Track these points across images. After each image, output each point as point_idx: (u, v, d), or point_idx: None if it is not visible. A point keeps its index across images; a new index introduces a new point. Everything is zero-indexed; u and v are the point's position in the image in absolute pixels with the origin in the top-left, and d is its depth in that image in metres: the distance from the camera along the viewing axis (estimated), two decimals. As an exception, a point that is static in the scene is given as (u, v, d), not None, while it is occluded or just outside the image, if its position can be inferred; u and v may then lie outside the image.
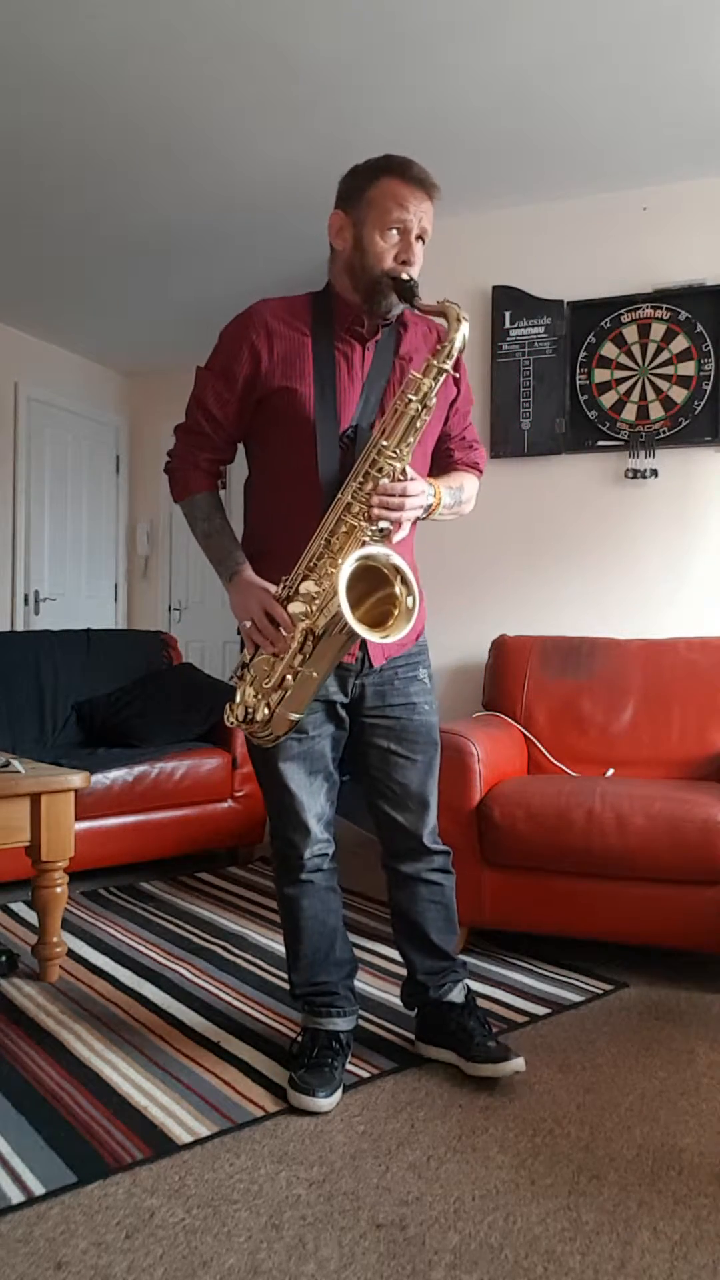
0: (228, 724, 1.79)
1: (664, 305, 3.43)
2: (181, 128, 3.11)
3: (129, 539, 6.19)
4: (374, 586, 1.72)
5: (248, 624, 1.77)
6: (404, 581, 1.71)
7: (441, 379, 1.72)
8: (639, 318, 3.47)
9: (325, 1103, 1.80)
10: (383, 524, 1.71)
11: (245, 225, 3.86)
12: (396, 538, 1.75)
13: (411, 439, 1.72)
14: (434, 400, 1.72)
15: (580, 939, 2.62)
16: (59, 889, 2.45)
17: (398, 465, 1.71)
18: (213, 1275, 1.36)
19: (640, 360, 3.47)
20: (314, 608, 1.70)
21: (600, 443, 3.52)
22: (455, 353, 1.71)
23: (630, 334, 3.48)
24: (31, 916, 2.74)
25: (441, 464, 2.00)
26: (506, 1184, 1.58)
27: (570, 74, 2.79)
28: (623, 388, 3.49)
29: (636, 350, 3.47)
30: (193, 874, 3.52)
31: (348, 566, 1.64)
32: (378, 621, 1.71)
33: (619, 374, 3.50)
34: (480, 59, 2.72)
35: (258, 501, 1.92)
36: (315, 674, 1.72)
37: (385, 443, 1.70)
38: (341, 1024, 1.93)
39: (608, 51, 2.68)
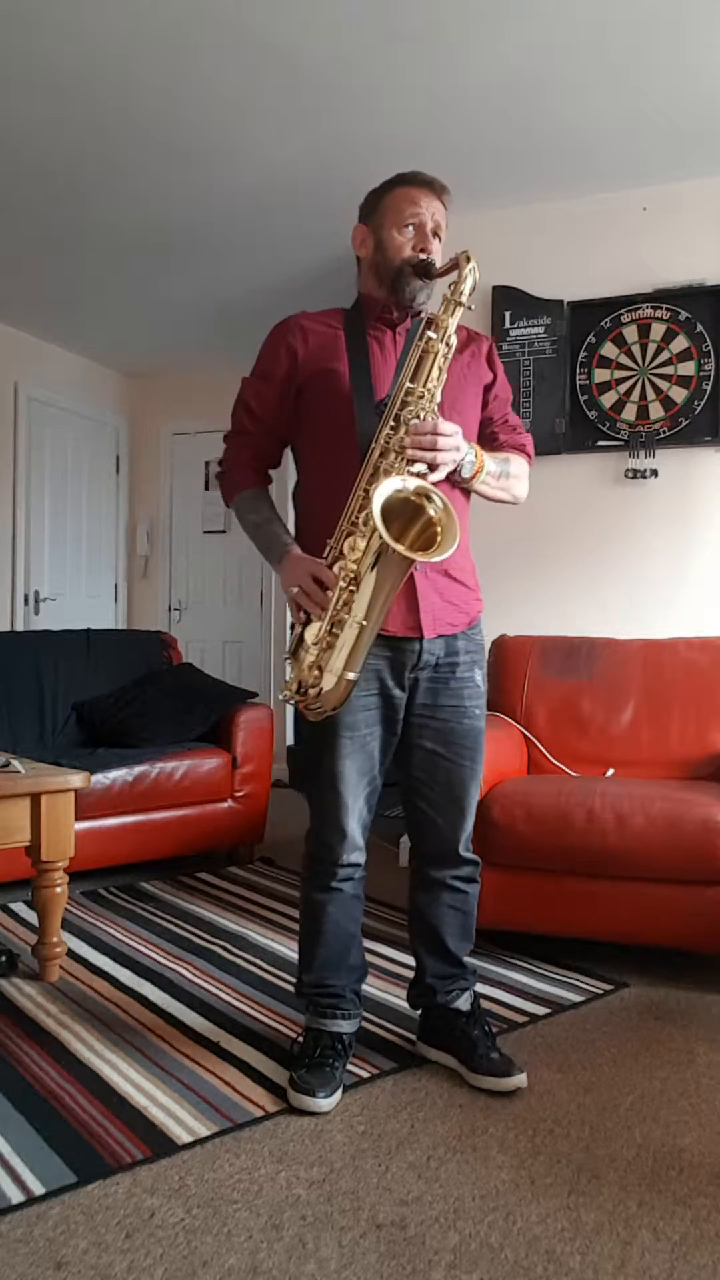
0: (281, 699, 1.81)
1: (664, 305, 3.43)
2: (181, 128, 3.11)
3: (129, 539, 6.19)
4: (411, 519, 1.70)
5: (294, 590, 1.76)
6: (431, 498, 1.70)
7: (458, 313, 1.74)
8: (639, 318, 3.47)
9: (325, 1103, 1.80)
10: (418, 466, 1.70)
11: (245, 225, 3.86)
12: (433, 478, 1.73)
13: (436, 377, 1.74)
14: (454, 339, 1.76)
15: (580, 939, 2.62)
16: (59, 889, 2.45)
17: (427, 406, 1.73)
18: (213, 1275, 1.36)
19: (640, 360, 3.46)
20: (358, 557, 1.69)
21: (600, 443, 3.52)
22: (467, 290, 1.75)
23: (630, 334, 3.48)
24: (31, 916, 2.74)
25: (487, 447, 2.00)
26: (506, 1184, 1.58)
27: (570, 74, 2.80)
28: (623, 388, 3.49)
29: (636, 350, 3.47)
30: (193, 874, 3.52)
31: (381, 494, 1.63)
32: (425, 549, 1.69)
33: (619, 374, 3.50)
34: (480, 59, 2.73)
35: (305, 490, 1.94)
36: (366, 622, 1.68)
37: (411, 384, 1.73)
38: (345, 1026, 1.93)
39: (608, 51, 2.69)
